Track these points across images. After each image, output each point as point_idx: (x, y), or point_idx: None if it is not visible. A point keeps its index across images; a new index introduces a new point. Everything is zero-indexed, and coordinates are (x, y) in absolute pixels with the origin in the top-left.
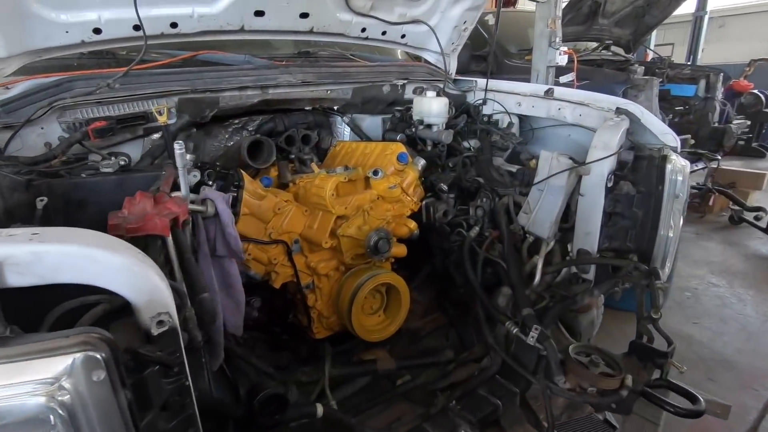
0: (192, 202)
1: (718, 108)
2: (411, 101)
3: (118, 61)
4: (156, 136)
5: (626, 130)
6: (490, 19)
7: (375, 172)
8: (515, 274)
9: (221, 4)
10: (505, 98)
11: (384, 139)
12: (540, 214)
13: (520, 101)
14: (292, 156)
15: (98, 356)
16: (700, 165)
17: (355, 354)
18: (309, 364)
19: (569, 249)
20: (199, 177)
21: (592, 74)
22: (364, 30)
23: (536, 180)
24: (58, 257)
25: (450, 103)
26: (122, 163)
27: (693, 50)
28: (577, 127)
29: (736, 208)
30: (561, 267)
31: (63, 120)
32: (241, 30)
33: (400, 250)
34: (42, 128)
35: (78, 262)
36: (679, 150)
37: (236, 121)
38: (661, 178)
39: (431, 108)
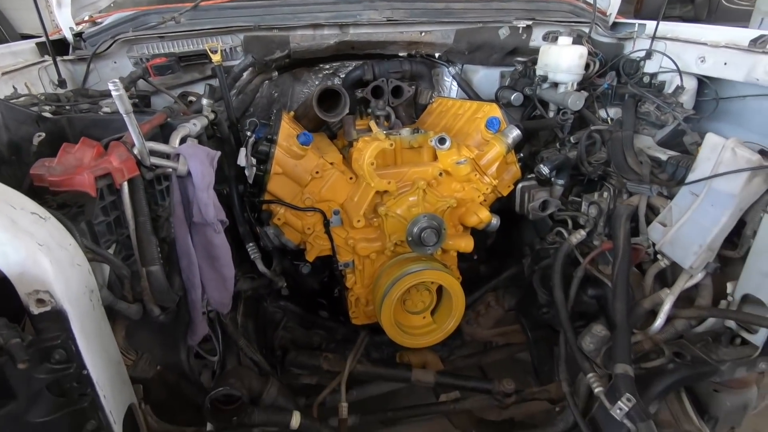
0: (165, 156)
1: None
2: (538, 50)
3: None
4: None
5: None
6: None
7: (441, 140)
8: (621, 308)
9: None
10: (682, 50)
11: (496, 98)
12: (686, 230)
13: (704, 55)
14: (369, 110)
15: None
16: None
17: (399, 352)
18: (341, 350)
19: (729, 291)
20: (198, 127)
21: None
22: None
23: (690, 178)
24: None
25: (596, 55)
26: (189, 102)
27: None
28: None
29: None
30: (710, 315)
31: (131, 55)
32: None
33: (465, 243)
34: (115, 62)
35: None
36: None
37: (327, 67)
38: None
39: (559, 60)
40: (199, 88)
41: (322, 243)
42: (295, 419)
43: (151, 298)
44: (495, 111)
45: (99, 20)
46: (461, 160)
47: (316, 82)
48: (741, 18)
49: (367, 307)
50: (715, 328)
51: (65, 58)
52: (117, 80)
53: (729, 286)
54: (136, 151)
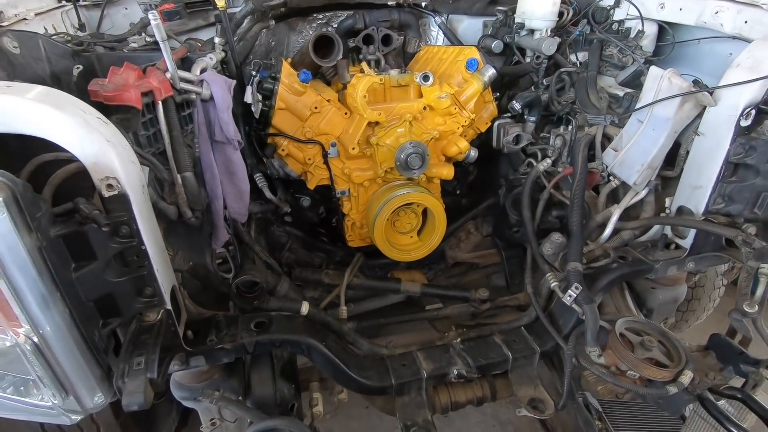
0: (190, 82)
1: None
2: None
3: None
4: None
5: None
6: None
7: (425, 77)
8: (576, 220)
9: None
10: None
11: (478, 45)
12: (632, 152)
13: (664, 2)
14: (361, 56)
15: None
16: None
17: (390, 271)
18: (340, 269)
19: (667, 205)
20: (214, 60)
21: None
22: None
23: (637, 106)
24: (12, 107)
25: (570, 4)
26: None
27: None
28: (742, 41)
29: None
30: (647, 224)
31: (141, 1)
32: None
33: (446, 171)
34: (126, 9)
35: (30, 115)
36: None
37: (320, 17)
38: None
39: (535, 7)
40: (202, 35)
41: (322, 173)
42: (305, 307)
43: (185, 201)
44: (474, 53)
45: None
46: (442, 95)
47: (311, 32)
48: None
49: (362, 230)
50: (655, 237)
51: (81, 3)
52: (155, 11)
53: (667, 201)
54: (168, 75)
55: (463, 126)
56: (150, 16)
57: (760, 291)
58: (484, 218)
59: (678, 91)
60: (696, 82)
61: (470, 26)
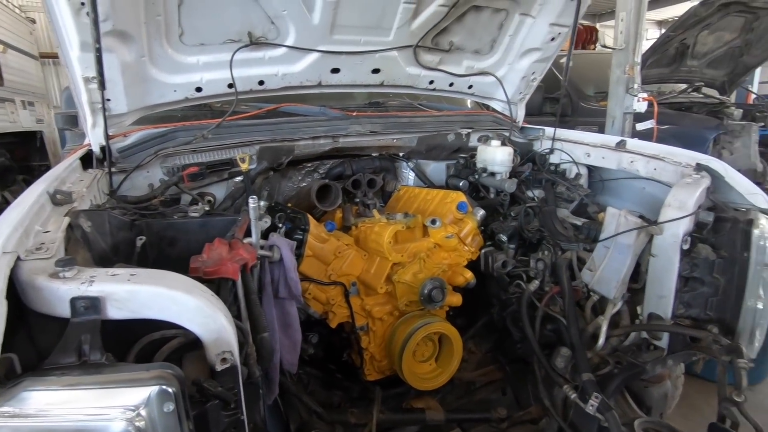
0: (261, 248)
1: None
2: (475, 148)
3: (213, 112)
4: (238, 179)
5: (707, 188)
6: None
7: (433, 221)
8: (575, 334)
9: (302, 64)
10: (573, 148)
11: (447, 185)
12: (606, 272)
13: (589, 152)
14: (357, 200)
15: (170, 390)
16: None
17: (406, 400)
18: (359, 405)
19: (639, 312)
20: (269, 223)
21: (678, 119)
22: (431, 82)
23: (602, 237)
24: (148, 296)
25: (516, 152)
26: (208, 201)
27: None
28: (653, 180)
29: None
30: (631, 330)
31: (165, 165)
32: (319, 85)
33: (456, 299)
34: (147, 172)
35: (163, 302)
36: None
37: (309, 165)
38: (746, 243)
39: (495, 157)
40: (213, 189)
41: (343, 311)
42: None
43: (255, 362)
44: (462, 197)
45: (128, 135)
46: (449, 234)
47: (299, 178)
48: (596, 115)
49: (381, 363)
50: (636, 341)
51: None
52: (254, 197)
53: (639, 309)
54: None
55: (467, 259)
56: (250, 201)
57: (744, 382)
58: (481, 336)
59: (633, 226)
60: (642, 217)
61: (436, 168)
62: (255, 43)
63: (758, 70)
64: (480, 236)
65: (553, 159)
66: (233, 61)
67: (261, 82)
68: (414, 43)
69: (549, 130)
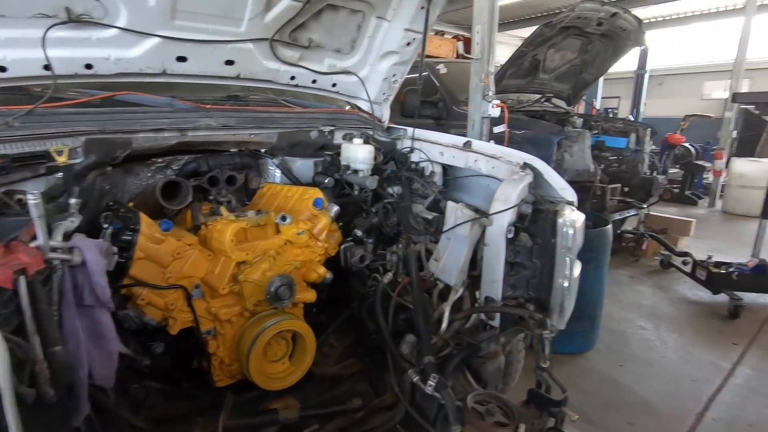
0: (57, 250)
1: (647, 160)
2: (340, 146)
3: (31, 97)
4: (60, 174)
5: (529, 184)
6: (442, 68)
7: (283, 218)
8: (421, 321)
9: (140, 49)
10: (430, 147)
11: (313, 182)
12: (448, 261)
13: (442, 151)
14: (211, 197)
15: None
16: (632, 212)
17: (263, 403)
18: (209, 414)
19: (478, 297)
20: (77, 223)
21: (531, 125)
22: (293, 78)
23: (445, 229)
24: None
25: (379, 150)
26: (18, 201)
27: (636, 104)
28: (493, 178)
29: (667, 253)
30: (466, 314)
31: None
32: (163, 74)
33: (309, 295)
34: None
35: None
36: (575, 204)
37: (159, 160)
38: (553, 230)
39: (357, 154)
40: (29, 185)
41: (185, 316)
42: None
43: (47, 380)
44: (318, 193)
45: None
46: (300, 231)
47: (149, 174)
48: (464, 118)
49: (231, 367)
50: (475, 322)
51: None
52: (35, 191)
53: (477, 294)
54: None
55: (319, 255)
56: (29, 196)
57: (547, 350)
58: (342, 331)
59: (468, 218)
60: (477, 210)
61: (303, 165)
62: (75, 21)
63: (601, 87)
64: (338, 232)
65: (415, 158)
66: (49, 39)
67: (89, 66)
68: (269, 36)
69: (411, 131)
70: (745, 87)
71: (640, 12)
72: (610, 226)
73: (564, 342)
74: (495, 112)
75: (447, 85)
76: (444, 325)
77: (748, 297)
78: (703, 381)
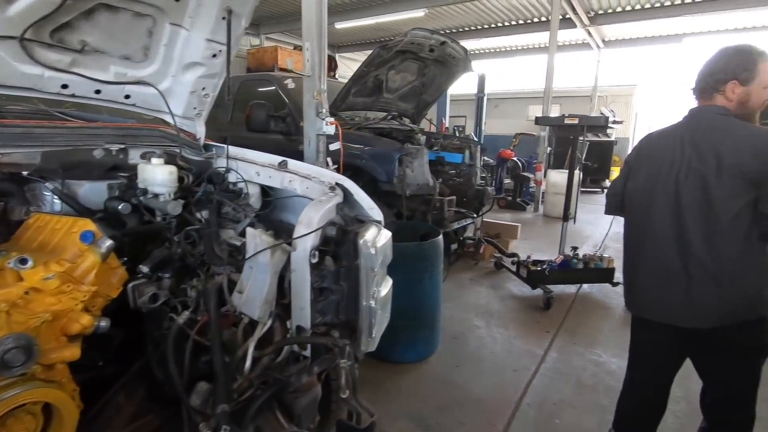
0: None
1: (479, 173)
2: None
3: None
4: None
5: (338, 205)
6: (290, 83)
7: (22, 261)
8: (218, 362)
9: None
10: (248, 167)
11: (105, 208)
12: (251, 292)
13: (258, 171)
14: None
15: None
16: (468, 221)
17: None
18: None
19: (290, 327)
20: None
21: (375, 141)
22: (66, 86)
23: (247, 257)
24: None
25: (189, 170)
26: None
27: (477, 122)
28: (307, 198)
29: (499, 255)
30: (275, 348)
31: None
32: None
33: (70, 352)
34: None
35: None
36: (382, 223)
37: None
38: (355, 251)
39: (155, 176)
40: None
41: None
42: None
43: None
44: (88, 225)
45: None
46: (49, 275)
47: None
48: None
49: None
50: (287, 355)
51: None
52: None
53: (289, 324)
54: None
55: (83, 301)
56: None
57: (342, 381)
58: (135, 384)
59: (266, 245)
60: (276, 235)
61: (93, 189)
62: None
63: (448, 107)
64: (122, 269)
65: (232, 178)
66: None
67: None
68: (17, 34)
69: (230, 149)
70: (555, 111)
71: (472, 43)
72: (440, 237)
73: (408, 350)
74: (330, 130)
75: (295, 100)
76: (248, 363)
77: (557, 288)
78: (523, 369)
